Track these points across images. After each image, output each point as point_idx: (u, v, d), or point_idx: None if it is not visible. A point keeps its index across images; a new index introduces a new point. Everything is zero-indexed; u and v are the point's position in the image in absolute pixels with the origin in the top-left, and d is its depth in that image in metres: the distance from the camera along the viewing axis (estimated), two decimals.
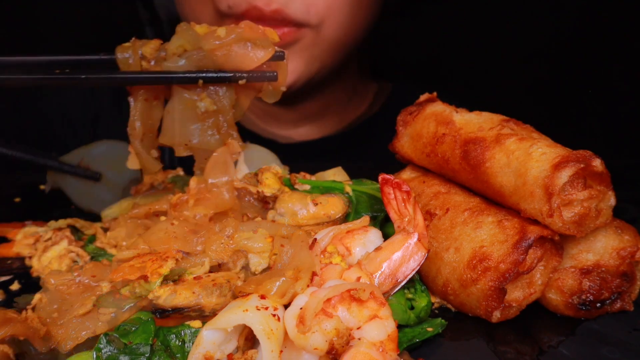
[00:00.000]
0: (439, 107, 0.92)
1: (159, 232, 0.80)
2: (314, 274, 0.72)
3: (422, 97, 0.96)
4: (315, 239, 0.77)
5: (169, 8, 1.48)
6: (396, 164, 1.01)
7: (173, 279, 0.73)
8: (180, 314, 0.70)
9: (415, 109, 0.95)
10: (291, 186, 0.93)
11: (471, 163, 0.82)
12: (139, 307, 0.71)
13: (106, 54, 0.92)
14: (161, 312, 0.69)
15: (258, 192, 0.87)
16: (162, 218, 0.87)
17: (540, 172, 0.73)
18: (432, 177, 0.92)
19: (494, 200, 0.82)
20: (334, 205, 0.86)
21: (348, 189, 0.91)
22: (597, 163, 0.73)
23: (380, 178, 0.81)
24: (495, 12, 2.21)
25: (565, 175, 0.72)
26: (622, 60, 2.15)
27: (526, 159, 0.76)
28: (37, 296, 0.76)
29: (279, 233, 0.80)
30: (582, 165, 0.72)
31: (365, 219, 0.81)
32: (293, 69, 1.25)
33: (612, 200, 0.76)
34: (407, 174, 0.96)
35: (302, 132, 1.62)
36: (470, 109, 0.91)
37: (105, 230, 0.97)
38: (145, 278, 0.70)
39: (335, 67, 1.44)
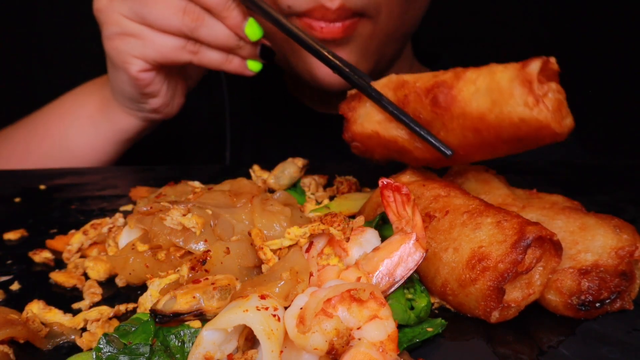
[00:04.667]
0: (384, 80, 0.94)
1: None
2: (310, 274, 0.72)
3: (352, 91, 0.99)
4: (312, 242, 0.78)
5: None
6: (397, 165, 1.01)
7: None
8: (181, 319, 0.70)
9: (355, 93, 0.98)
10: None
11: (443, 105, 0.84)
12: None
13: None
14: (161, 318, 0.69)
15: None
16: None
17: (511, 75, 0.77)
18: (432, 180, 0.92)
19: (479, 132, 0.83)
20: None
21: None
22: (553, 60, 0.79)
23: (380, 182, 0.82)
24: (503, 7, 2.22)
25: (535, 65, 0.76)
26: (622, 61, 2.15)
27: (492, 76, 0.80)
28: None
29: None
30: (544, 59, 0.78)
31: (360, 219, 0.82)
32: (351, 61, 1.25)
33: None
34: (406, 177, 0.96)
35: None
36: None
37: None
38: None
39: (393, 58, 1.46)
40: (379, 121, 0.93)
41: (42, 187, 1.26)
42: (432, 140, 0.87)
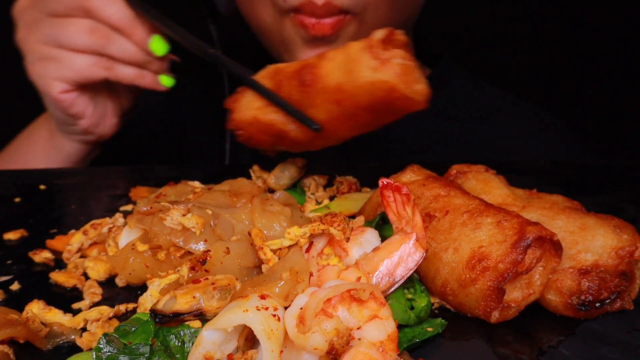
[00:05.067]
0: (262, 72, 1.01)
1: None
2: (310, 274, 0.72)
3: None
4: (312, 242, 0.78)
5: (228, 5, 1.51)
6: (397, 165, 1.01)
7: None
8: (181, 319, 0.70)
9: (241, 89, 1.04)
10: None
11: (308, 83, 0.91)
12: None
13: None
14: (161, 318, 0.69)
15: None
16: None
17: (360, 45, 0.87)
18: (433, 180, 0.92)
19: (340, 104, 0.90)
20: None
21: None
22: (399, 32, 0.87)
23: (380, 182, 0.82)
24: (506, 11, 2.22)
25: (379, 34, 0.86)
26: (622, 61, 2.15)
27: (347, 50, 0.89)
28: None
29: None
30: (389, 29, 0.87)
31: (360, 219, 0.82)
32: None
33: (423, 79, 0.88)
34: (406, 177, 0.96)
35: None
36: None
37: None
38: None
39: None
40: (258, 107, 1.00)
41: (42, 187, 1.26)
42: (300, 116, 0.94)
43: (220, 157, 1.66)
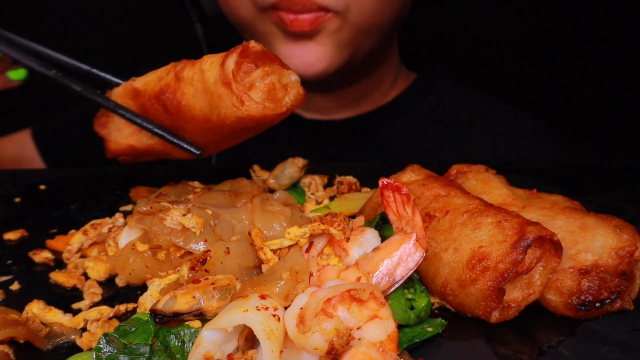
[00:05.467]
0: (119, 90, 0.94)
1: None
2: (310, 274, 0.72)
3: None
4: (312, 242, 0.78)
5: (215, 5, 1.51)
6: (397, 165, 1.01)
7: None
8: (181, 319, 0.70)
9: (101, 113, 0.97)
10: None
11: (173, 110, 0.84)
12: None
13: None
14: (161, 318, 0.69)
15: None
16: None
17: (215, 76, 0.77)
18: (433, 180, 0.92)
19: (214, 131, 0.83)
20: None
21: None
22: (253, 44, 0.78)
23: (380, 182, 0.82)
24: (504, 10, 2.21)
25: (230, 62, 0.77)
26: (622, 61, 2.15)
27: (202, 75, 0.79)
28: None
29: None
30: (240, 50, 0.78)
31: (360, 219, 0.82)
32: (323, 55, 1.31)
33: (292, 76, 0.82)
34: (407, 177, 0.96)
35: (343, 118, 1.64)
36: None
37: None
38: None
39: (372, 52, 1.45)
40: (130, 134, 0.93)
41: (42, 187, 1.26)
42: (181, 144, 0.88)
43: (221, 157, 1.66)
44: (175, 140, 0.88)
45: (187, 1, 1.60)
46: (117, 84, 0.95)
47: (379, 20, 1.37)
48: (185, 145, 0.88)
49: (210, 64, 0.79)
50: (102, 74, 0.99)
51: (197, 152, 0.88)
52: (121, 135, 0.94)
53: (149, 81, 0.88)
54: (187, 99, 0.81)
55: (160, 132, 0.89)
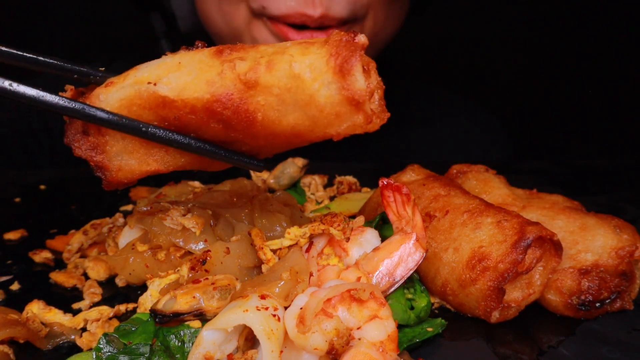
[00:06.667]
0: (120, 96, 0.68)
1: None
2: (310, 274, 0.72)
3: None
4: (312, 242, 0.78)
5: (192, 20, 1.47)
6: (397, 165, 1.01)
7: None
8: (181, 319, 0.70)
9: (75, 127, 0.71)
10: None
11: (240, 127, 0.64)
12: None
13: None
14: (161, 318, 0.69)
15: None
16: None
17: (331, 91, 0.60)
18: (433, 180, 0.92)
19: (292, 144, 0.69)
20: None
21: None
22: (361, 38, 0.61)
23: (380, 182, 0.82)
24: (496, 10, 2.21)
25: (359, 76, 0.60)
26: (622, 61, 2.15)
27: (299, 82, 0.61)
28: None
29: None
30: (361, 53, 0.61)
31: (360, 219, 0.82)
32: None
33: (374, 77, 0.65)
34: (407, 176, 0.96)
35: None
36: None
37: None
38: None
39: None
40: (150, 155, 0.70)
41: (42, 187, 1.26)
42: (245, 163, 0.71)
43: None
44: (236, 163, 0.70)
45: (156, 17, 1.53)
46: (96, 78, 0.72)
47: (386, 31, 1.36)
48: (248, 165, 0.72)
49: (309, 68, 0.60)
50: (78, 67, 0.74)
51: (262, 166, 0.73)
52: (135, 159, 0.71)
53: (184, 86, 0.64)
54: (265, 112, 0.63)
55: (216, 151, 0.69)
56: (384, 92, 0.65)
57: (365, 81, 0.60)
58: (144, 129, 0.66)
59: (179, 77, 0.65)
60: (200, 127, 0.66)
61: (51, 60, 0.72)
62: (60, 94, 0.66)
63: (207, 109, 0.64)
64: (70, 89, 0.70)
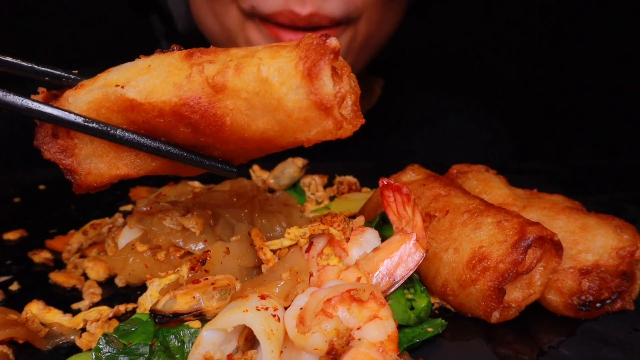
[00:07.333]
0: (87, 96, 0.68)
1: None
2: (310, 274, 0.72)
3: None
4: (312, 242, 0.78)
5: (188, 21, 1.47)
6: (397, 165, 1.01)
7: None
8: (180, 319, 0.69)
9: (44, 131, 0.71)
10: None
11: (208, 131, 0.63)
12: None
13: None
14: (161, 318, 0.69)
15: None
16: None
17: (299, 96, 0.59)
18: (433, 180, 0.92)
19: (263, 150, 0.68)
20: None
21: None
22: (332, 41, 0.60)
23: (380, 182, 0.82)
24: (497, 10, 2.21)
25: (327, 80, 0.58)
26: (622, 61, 2.15)
27: (267, 86, 0.59)
28: None
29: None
30: (330, 56, 0.59)
31: (360, 219, 0.81)
32: None
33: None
34: (407, 176, 0.96)
35: None
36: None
37: None
38: None
39: (367, 64, 1.42)
40: (120, 159, 0.70)
41: (42, 187, 1.26)
42: (218, 169, 0.71)
43: None
44: (208, 168, 0.69)
45: (155, 18, 1.53)
46: (69, 81, 0.71)
47: (382, 32, 1.35)
48: (221, 171, 0.71)
49: (278, 71, 0.59)
50: (51, 70, 0.73)
51: (235, 172, 0.73)
52: (104, 163, 0.70)
53: (152, 89, 0.64)
54: (234, 117, 0.62)
55: (187, 155, 0.67)
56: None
57: (334, 86, 0.59)
58: (112, 132, 0.66)
59: (148, 80, 0.64)
60: (170, 131, 0.66)
61: (23, 63, 0.71)
62: (32, 96, 0.65)
63: (175, 113, 0.63)
64: (42, 91, 0.69)
